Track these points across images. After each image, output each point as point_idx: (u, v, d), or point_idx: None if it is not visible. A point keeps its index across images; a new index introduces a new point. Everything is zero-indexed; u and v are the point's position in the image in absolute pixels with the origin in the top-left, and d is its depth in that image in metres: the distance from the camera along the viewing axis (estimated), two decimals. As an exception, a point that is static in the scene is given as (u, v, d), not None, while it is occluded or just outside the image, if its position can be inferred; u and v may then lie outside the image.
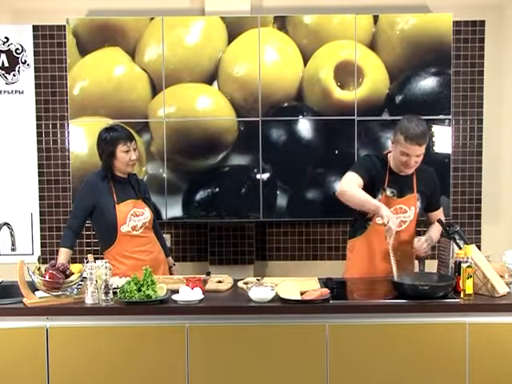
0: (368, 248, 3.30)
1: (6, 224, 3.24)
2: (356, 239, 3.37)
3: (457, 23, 4.25)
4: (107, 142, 3.32)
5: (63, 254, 3.27)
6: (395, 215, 3.16)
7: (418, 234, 3.39)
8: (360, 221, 3.34)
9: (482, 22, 4.34)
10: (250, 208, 4.20)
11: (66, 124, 4.36)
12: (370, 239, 3.30)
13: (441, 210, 3.43)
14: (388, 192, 3.24)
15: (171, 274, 3.57)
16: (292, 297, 2.79)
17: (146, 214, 3.41)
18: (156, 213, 4.09)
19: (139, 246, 3.37)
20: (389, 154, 3.30)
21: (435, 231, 3.33)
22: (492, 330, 2.76)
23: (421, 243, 3.19)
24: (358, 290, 3.19)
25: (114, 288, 2.87)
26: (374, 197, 3.19)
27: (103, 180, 3.35)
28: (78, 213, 3.36)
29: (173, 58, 4.15)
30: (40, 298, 2.82)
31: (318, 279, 3.14)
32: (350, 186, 3.15)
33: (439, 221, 3.22)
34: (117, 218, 3.30)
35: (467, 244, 2.92)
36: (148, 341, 2.76)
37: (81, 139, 4.18)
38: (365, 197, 3.11)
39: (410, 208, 3.26)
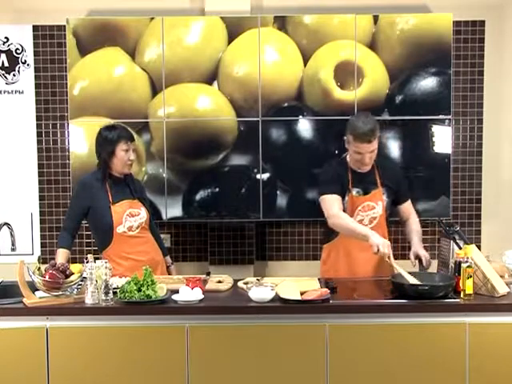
0: (344, 251, 3.33)
1: (6, 224, 3.24)
2: (331, 244, 3.41)
3: (457, 23, 4.24)
4: (108, 140, 3.32)
5: (61, 255, 3.27)
6: (365, 212, 3.26)
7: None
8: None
9: (482, 22, 4.34)
10: (250, 208, 4.20)
11: (66, 124, 4.35)
12: (344, 240, 3.31)
13: (409, 202, 3.46)
14: (354, 192, 3.31)
15: (169, 273, 3.57)
16: (292, 297, 2.79)
17: (142, 214, 3.40)
18: (156, 213, 4.10)
19: (136, 246, 3.36)
20: (347, 156, 3.36)
21: (418, 234, 3.35)
22: (492, 330, 2.76)
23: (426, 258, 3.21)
24: (357, 290, 3.19)
25: (114, 288, 2.87)
26: (343, 198, 3.28)
27: (98, 180, 3.35)
28: (72, 214, 3.38)
29: (173, 58, 4.15)
30: (40, 298, 2.82)
31: (318, 279, 3.14)
32: (338, 218, 3.22)
33: (439, 221, 3.22)
34: (112, 218, 3.30)
35: (467, 244, 2.93)
36: (148, 341, 2.76)
37: (81, 139, 4.18)
38: (353, 226, 3.17)
39: (377, 203, 3.31)
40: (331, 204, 3.26)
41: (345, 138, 3.30)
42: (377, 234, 3.09)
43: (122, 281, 2.98)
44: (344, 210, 3.28)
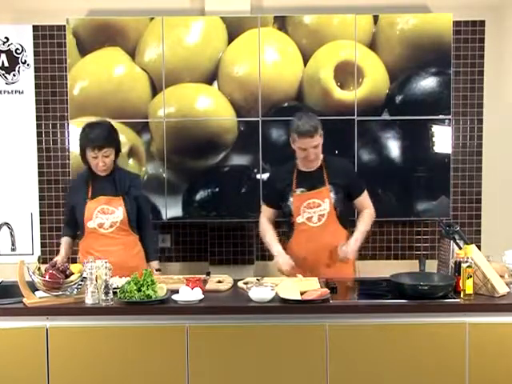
0: (299, 247, 3.42)
1: (6, 224, 3.24)
2: (289, 242, 3.50)
3: (457, 23, 4.24)
4: (80, 140, 3.33)
5: (63, 242, 3.45)
6: (312, 209, 3.36)
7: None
8: (288, 225, 3.53)
9: (482, 22, 4.33)
10: (250, 208, 4.20)
11: (66, 124, 4.35)
12: (299, 239, 3.44)
13: (365, 193, 3.50)
14: (298, 191, 3.41)
15: None
16: (292, 297, 2.79)
17: (117, 214, 3.33)
18: (156, 213, 4.11)
19: (105, 245, 3.34)
20: (296, 160, 3.46)
21: (362, 225, 3.41)
22: (492, 330, 2.76)
23: (344, 248, 3.30)
24: (357, 290, 3.19)
25: (114, 288, 2.87)
26: (287, 200, 3.41)
27: (83, 177, 3.42)
28: (67, 211, 3.58)
29: (173, 58, 4.15)
30: (40, 298, 2.82)
31: (318, 279, 3.14)
32: (261, 229, 3.58)
33: (439, 221, 3.22)
34: (84, 213, 3.34)
35: (467, 244, 2.93)
36: (148, 341, 2.76)
37: (81, 139, 4.18)
38: (269, 241, 3.48)
39: (323, 200, 3.38)
40: (261, 216, 3.59)
41: (290, 139, 3.40)
42: (283, 255, 3.33)
43: (122, 281, 2.99)
44: (290, 210, 3.43)
